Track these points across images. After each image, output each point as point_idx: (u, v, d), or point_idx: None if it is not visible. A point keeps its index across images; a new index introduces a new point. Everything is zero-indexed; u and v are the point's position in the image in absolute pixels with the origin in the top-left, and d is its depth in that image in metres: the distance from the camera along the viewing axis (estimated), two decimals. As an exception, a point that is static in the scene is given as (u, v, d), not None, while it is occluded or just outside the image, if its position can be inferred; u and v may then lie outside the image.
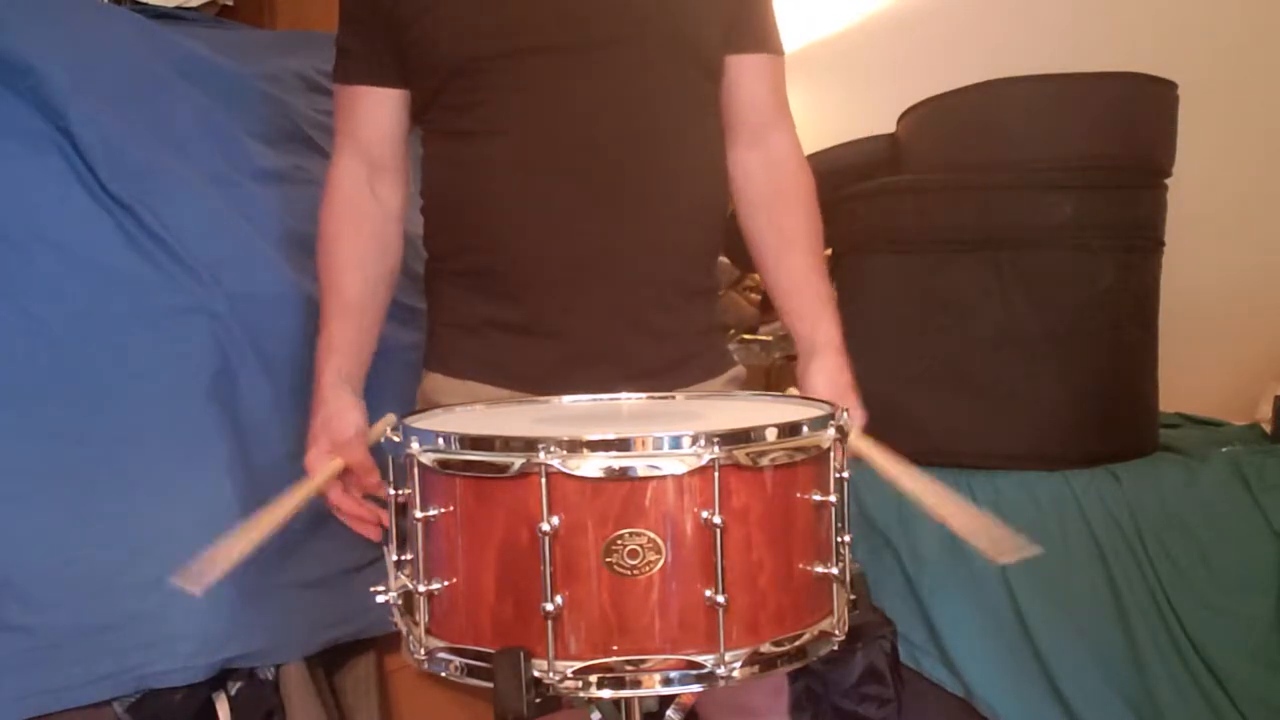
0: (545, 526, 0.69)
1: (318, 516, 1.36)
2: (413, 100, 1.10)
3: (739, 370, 1.21)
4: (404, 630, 0.80)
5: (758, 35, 1.15)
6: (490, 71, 1.03)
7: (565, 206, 1.04)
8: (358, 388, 1.06)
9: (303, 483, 0.97)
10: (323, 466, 0.99)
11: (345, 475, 1.00)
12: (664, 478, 0.70)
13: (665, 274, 1.09)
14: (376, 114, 1.10)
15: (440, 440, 0.74)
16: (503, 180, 1.05)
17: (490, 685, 0.70)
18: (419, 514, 0.76)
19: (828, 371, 1.09)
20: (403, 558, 0.81)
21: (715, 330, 1.22)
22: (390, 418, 0.90)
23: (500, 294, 1.08)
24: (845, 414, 0.82)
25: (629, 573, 0.70)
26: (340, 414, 1.02)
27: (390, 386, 1.23)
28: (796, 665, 0.76)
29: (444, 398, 1.10)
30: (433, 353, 1.16)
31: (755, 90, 1.15)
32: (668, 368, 1.10)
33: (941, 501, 0.85)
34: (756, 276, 2.94)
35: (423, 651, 0.76)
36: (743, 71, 1.14)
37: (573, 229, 1.04)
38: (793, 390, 1.10)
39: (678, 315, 1.11)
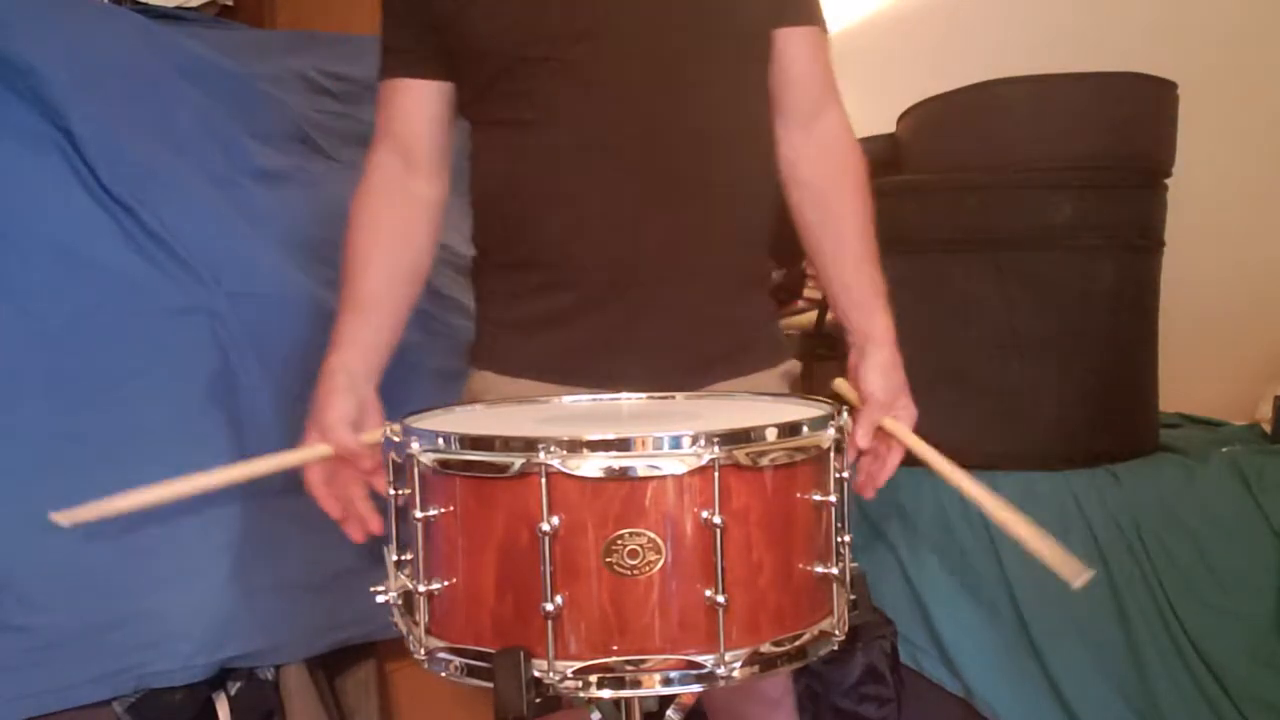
0: (545, 526, 0.69)
1: (318, 517, 1.36)
2: (461, 92, 1.09)
3: (793, 364, 1.17)
4: (404, 630, 0.80)
5: (805, 7, 1.12)
6: (537, 59, 1.01)
7: (616, 196, 1.02)
8: (359, 380, 1.04)
9: (280, 453, 0.97)
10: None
11: (336, 465, 0.99)
12: (664, 478, 0.70)
13: (720, 262, 1.07)
14: (413, 107, 1.09)
15: (440, 440, 0.74)
16: (551, 170, 1.03)
17: (490, 685, 0.70)
18: (419, 514, 0.75)
19: (882, 367, 1.06)
20: (403, 558, 0.81)
21: (771, 320, 1.19)
22: (395, 426, 0.89)
23: (549, 286, 1.06)
24: (845, 414, 0.82)
25: (629, 573, 0.70)
26: (325, 399, 1.00)
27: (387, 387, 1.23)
28: (796, 665, 0.76)
29: (494, 396, 1.09)
30: (482, 350, 1.14)
31: (803, 64, 1.12)
32: (724, 357, 1.08)
33: (1001, 510, 0.88)
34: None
35: (423, 651, 0.76)
36: (790, 45, 1.11)
37: (624, 218, 1.02)
38: (840, 381, 1.09)
39: (733, 304, 1.09)
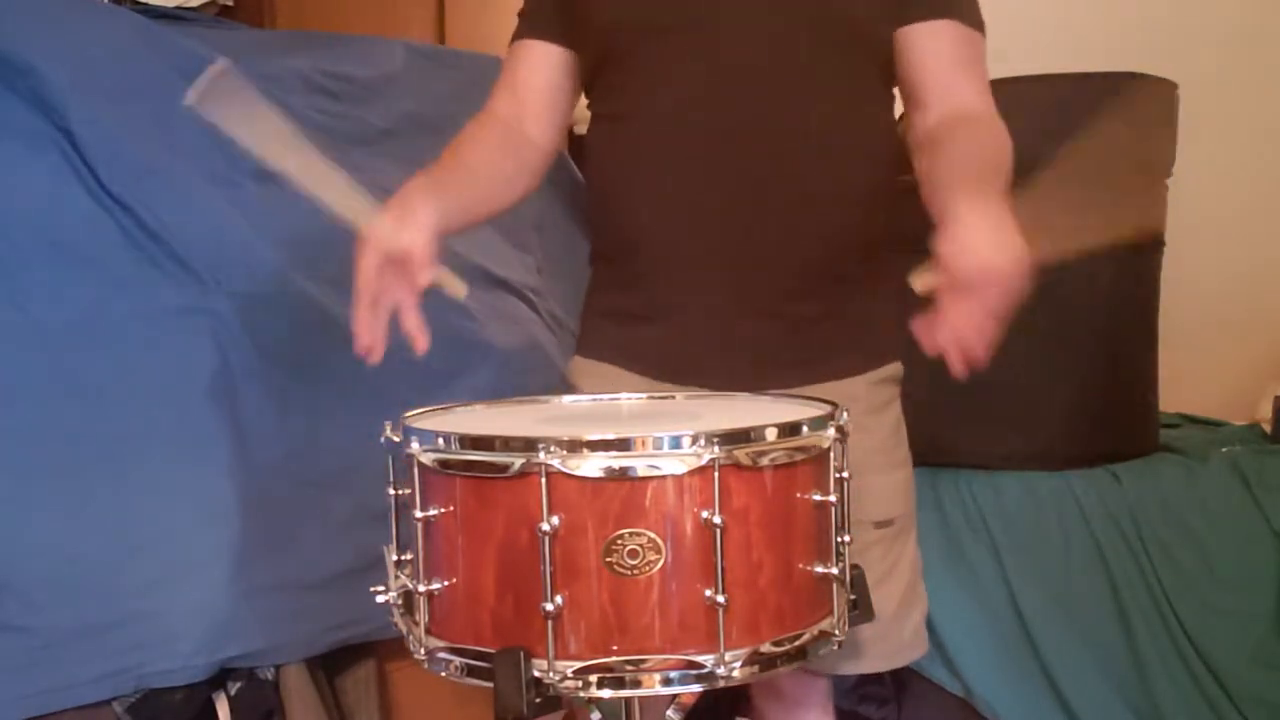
0: (545, 526, 0.69)
1: (318, 516, 1.36)
2: (581, 72, 1.12)
3: (896, 367, 1.13)
4: (404, 630, 0.80)
5: (928, 1, 1.05)
6: (634, 51, 1.02)
7: (702, 194, 1.01)
8: (441, 208, 0.94)
9: (362, 204, 0.89)
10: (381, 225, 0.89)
11: (389, 265, 0.88)
12: (664, 477, 0.70)
13: (809, 264, 1.04)
14: (533, 64, 1.12)
15: (440, 440, 0.74)
16: (640, 165, 1.05)
17: (490, 685, 0.70)
18: (419, 514, 0.76)
19: (976, 213, 0.85)
20: (403, 558, 0.81)
21: (871, 321, 1.11)
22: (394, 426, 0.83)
23: (631, 282, 1.08)
24: (845, 414, 0.82)
25: (629, 572, 0.70)
26: (411, 194, 0.93)
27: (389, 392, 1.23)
28: (796, 665, 0.76)
29: (583, 379, 1.12)
30: (581, 336, 1.18)
31: (929, 60, 1.05)
32: (811, 361, 1.05)
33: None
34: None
35: (423, 651, 0.76)
36: (914, 41, 1.06)
37: (709, 217, 1.02)
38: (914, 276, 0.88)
39: (819, 304, 1.05)
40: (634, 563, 0.69)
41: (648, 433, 0.70)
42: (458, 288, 0.95)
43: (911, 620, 1.17)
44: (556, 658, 0.70)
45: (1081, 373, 1.75)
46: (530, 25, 1.13)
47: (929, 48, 1.05)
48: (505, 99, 1.14)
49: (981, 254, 0.82)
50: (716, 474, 0.70)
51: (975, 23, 1.09)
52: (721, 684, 0.71)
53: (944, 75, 1.06)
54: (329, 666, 1.35)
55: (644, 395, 1.00)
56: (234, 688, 1.23)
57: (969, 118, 1.04)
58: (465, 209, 1.02)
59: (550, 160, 1.17)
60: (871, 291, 1.10)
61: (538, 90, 1.13)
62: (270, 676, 1.26)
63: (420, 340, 0.90)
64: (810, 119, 1.02)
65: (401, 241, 0.88)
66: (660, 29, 1.01)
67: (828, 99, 1.04)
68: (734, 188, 1.01)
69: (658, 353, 1.07)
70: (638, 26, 1.02)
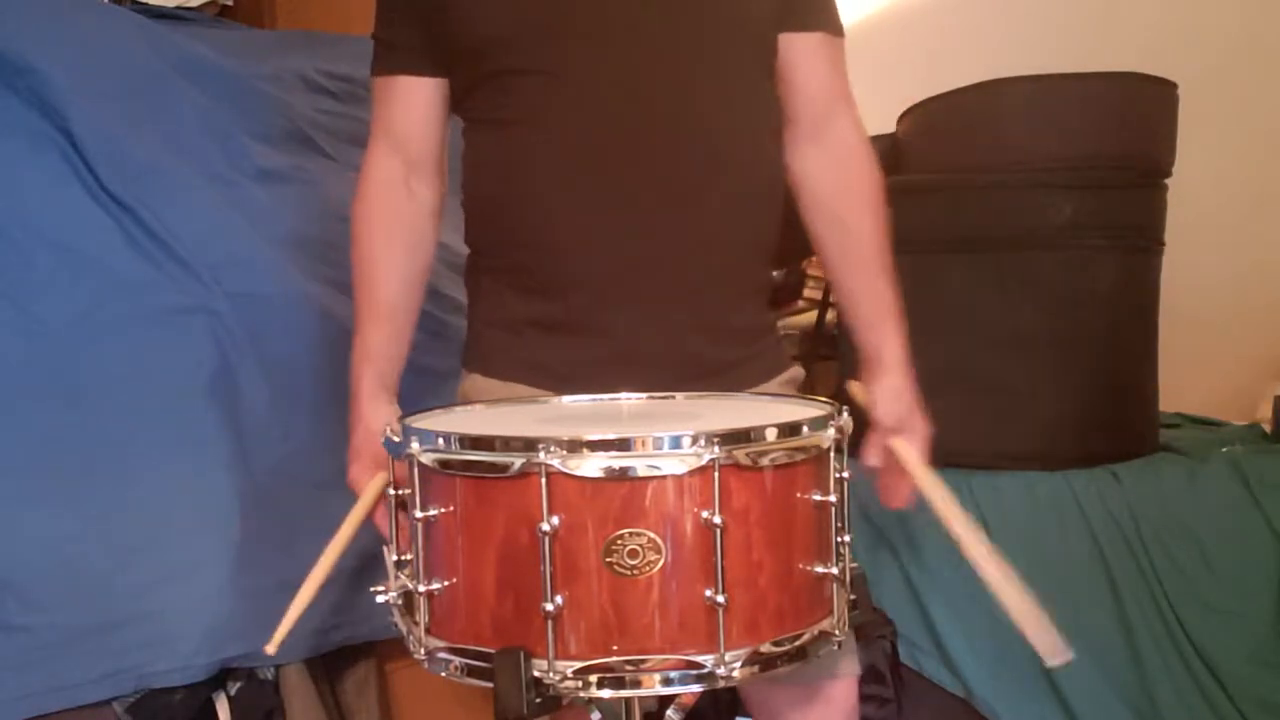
0: (545, 526, 0.69)
1: (318, 517, 1.36)
2: (452, 88, 1.07)
3: (796, 371, 1.14)
4: (404, 630, 0.80)
5: (814, 11, 1.08)
6: (530, 54, 0.98)
7: (608, 199, 0.99)
8: (394, 394, 1.04)
9: (355, 508, 0.95)
10: (368, 483, 0.97)
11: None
12: (664, 478, 0.70)
13: (718, 272, 1.03)
14: (411, 104, 1.07)
15: (440, 440, 0.74)
16: (543, 171, 1.00)
17: (490, 685, 0.70)
18: (419, 514, 0.76)
19: (891, 391, 1.07)
20: (403, 558, 0.81)
21: (772, 329, 1.16)
22: (395, 426, 0.87)
23: (542, 292, 1.03)
24: (845, 413, 0.82)
25: (629, 573, 0.70)
26: (381, 428, 0.95)
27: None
28: (796, 665, 0.76)
29: (485, 399, 1.07)
30: (473, 353, 1.11)
31: (812, 72, 1.08)
32: (726, 369, 1.05)
33: (997, 574, 0.90)
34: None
35: (423, 651, 0.76)
36: (798, 51, 1.07)
37: (617, 222, 0.99)
38: (854, 384, 1.11)
39: (733, 314, 1.06)
40: (634, 563, 0.69)
41: (648, 433, 0.70)
42: None
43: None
44: (556, 658, 0.70)
45: (1081, 373, 1.75)
46: (396, 60, 1.07)
47: (806, 61, 1.09)
48: (386, 154, 1.08)
49: (909, 400, 1.08)
50: (716, 474, 0.70)
51: (839, 30, 1.12)
52: (721, 684, 0.71)
53: (827, 95, 1.10)
54: (329, 666, 1.35)
55: (644, 395, 1.00)
56: (234, 688, 1.23)
57: (855, 170, 1.10)
58: (402, 355, 1.07)
59: (441, 208, 1.12)
60: (765, 298, 1.13)
61: (419, 133, 1.08)
62: (270, 676, 1.26)
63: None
64: (727, 125, 1.02)
65: (388, 480, 0.93)
66: (559, 35, 0.97)
67: (733, 107, 1.04)
68: (654, 195, 0.99)
69: (575, 367, 1.02)
70: (532, 33, 0.98)
